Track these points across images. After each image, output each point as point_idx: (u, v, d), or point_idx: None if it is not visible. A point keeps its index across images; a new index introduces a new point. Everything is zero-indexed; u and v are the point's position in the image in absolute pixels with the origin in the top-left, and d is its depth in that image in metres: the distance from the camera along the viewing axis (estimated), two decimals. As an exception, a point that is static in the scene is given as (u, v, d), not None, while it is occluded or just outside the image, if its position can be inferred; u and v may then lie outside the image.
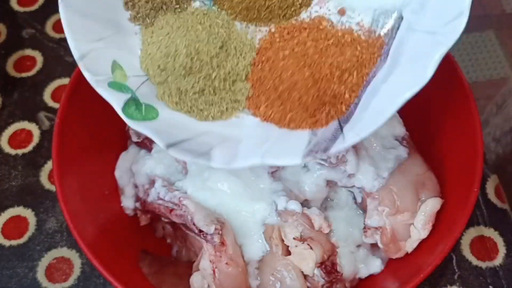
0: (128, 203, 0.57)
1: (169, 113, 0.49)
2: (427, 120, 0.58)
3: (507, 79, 1.13)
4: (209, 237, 0.48)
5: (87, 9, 0.50)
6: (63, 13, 0.49)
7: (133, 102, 0.47)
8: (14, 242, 0.61)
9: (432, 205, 0.52)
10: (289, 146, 0.47)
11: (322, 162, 0.52)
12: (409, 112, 0.58)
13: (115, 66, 0.49)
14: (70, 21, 0.49)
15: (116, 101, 0.46)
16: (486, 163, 0.63)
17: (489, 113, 0.93)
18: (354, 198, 0.55)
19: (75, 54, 0.48)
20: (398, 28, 0.48)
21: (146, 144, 0.58)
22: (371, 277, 0.54)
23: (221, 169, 0.47)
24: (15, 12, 0.75)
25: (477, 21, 1.52)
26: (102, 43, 0.50)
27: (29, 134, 0.67)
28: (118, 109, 0.46)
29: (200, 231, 0.49)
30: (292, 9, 0.51)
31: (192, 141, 0.47)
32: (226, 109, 0.50)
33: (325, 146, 0.45)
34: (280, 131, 0.49)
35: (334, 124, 0.47)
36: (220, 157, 0.46)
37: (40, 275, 0.59)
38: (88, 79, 0.47)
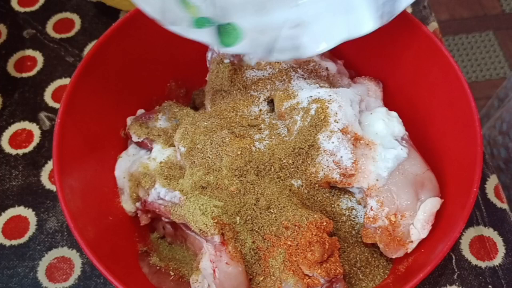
0: (128, 203, 0.57)
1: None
2: (427, 120, 0.58)
3: (508, 77, 1.14)
4: (209, 237, 0.48)
5: None
6: None
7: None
8: (14, 242, 0.61)
9: (431, 205, 0.52)
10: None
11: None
12: (409, 112, 0.58)
13: (183, 3, 0.51)
14: None
15: (210, 38, 0.50)
16: (485, 163, 0.63)
17: (490, 106, 0.93)
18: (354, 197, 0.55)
19: (157, 15, 0.49)
20: None
21: (146, 144, 0.58)
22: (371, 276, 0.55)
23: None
24: (15, 12, 0.75)
25: (476, 21, 1.52)
26: None
27: (29, 134, 0.67)
28: (216, 45, 0.51)
29: (201, 230, 0.49)
30: None
31: None
32: None
33: (392, 4, 0.50)
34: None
35: None
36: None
37: (41, 274, 0.59)
38: (178, 32, 0.50)
